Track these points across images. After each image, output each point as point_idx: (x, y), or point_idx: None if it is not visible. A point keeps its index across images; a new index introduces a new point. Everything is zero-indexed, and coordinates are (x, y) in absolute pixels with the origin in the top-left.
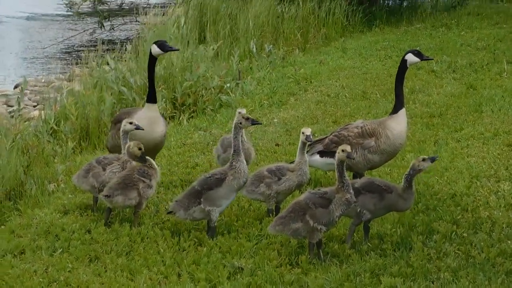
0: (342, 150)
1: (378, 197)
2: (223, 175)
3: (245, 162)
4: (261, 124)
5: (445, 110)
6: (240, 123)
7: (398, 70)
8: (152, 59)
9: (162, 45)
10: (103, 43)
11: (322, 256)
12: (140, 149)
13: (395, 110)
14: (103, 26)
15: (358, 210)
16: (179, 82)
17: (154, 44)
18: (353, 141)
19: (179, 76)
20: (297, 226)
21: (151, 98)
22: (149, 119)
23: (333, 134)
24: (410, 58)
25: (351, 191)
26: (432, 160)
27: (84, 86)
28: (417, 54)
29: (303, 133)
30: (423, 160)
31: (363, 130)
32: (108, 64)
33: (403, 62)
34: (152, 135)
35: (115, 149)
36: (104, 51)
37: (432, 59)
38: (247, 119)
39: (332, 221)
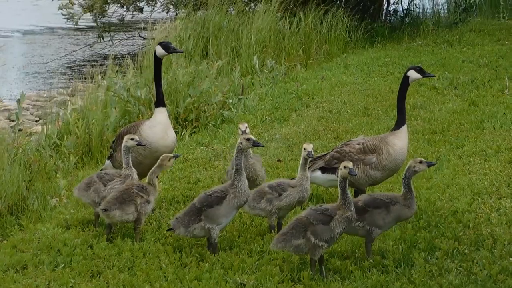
0: (344, 167)
1: (385, 211)
2: (224, 193)
3: (246, 181)
4: (263, 146)
5: (447, 127)
6: (241, 143)
7: (400, 86)
8: (157, 61)
9: (166, 46)
10: (105, 58)
11: (324, 272)
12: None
13: (397, 127)
14: (103, 38)
15: (368, 228)
16: (182, 97)
17: (158, 45)
18: (354, 157)
19: (183, 91)
20: (298, 242)
21: (161, 102)
22: (163, 125)
23: (334, 150)
24: (412, 74)
25: (353, 208)
26: (429, 165)
27: (87, 101)
28: (419, 70)
29: (304, 149)
30: (420, 162)
31: (365, 146)
32: (110, 78)
33: (405, 78)
34: (167, 141)
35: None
36: (107, 66)
37: (434, 76)
38: (248, 140)
39: (333, 238)
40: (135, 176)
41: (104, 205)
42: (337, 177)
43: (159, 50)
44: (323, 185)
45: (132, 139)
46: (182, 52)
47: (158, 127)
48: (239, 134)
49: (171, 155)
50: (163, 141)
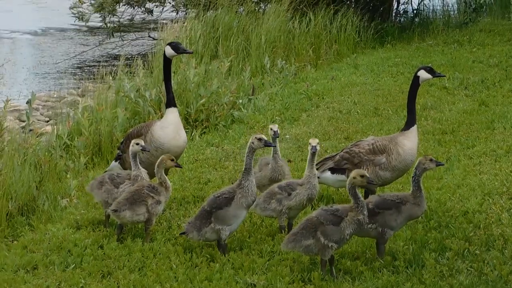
0: (361, 176)
1: (396, 212)
2: (232, 194)
3: (254, 181)
4: (274, 146)
5: (457, 127)
6: (253, 143)
7: (411, 86)
8: (167, 62)
9: (176, 47)
10: (115, 58)
11: (334, 273)
12: (172, 160)
13: (407, 127)
14: (113, 35)
15: (380, 230)
16: (193, 98)
17: (167, 46)
18: (364, 158)
19: (194, 92)
20: (308, 242)
21: (171, 102)
22: (175, 125)
23: (344, 151)
24: (423, 74)
25: (365, 212)
26: (438, 164)
27: (98, 102)
28: (429, 70)
29: (310, 143)
30: (430, 160)
31: (374, 147)
32: (120, 80)
33: (416, 78)
34: (179, 141)
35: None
36: (117, 67)
37: (444, 76)
38: (260, 140)
39: (342, 238)
40: (144, 176)
41: (115, 206)
42: (347, 179)
43: (169, 51)
44: (333, 186)
45: (137, 143)
46: (192, 53)
47: (170, 128)
48: (270, 135)
49: (172, 157)
50: (175, 142)
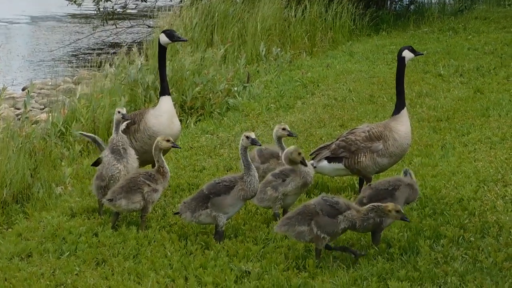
0: (397, 211)
1: (391, 199)
2: (233, 183)
3: (256, 177)
4: (260, 145)
5: (452, 114)
6: (242, 140)
7: (397, 68)
8: (162, 49)
9: (170, 34)
10: (110, 46)
11: (357, 252)
12: (168, 140)
13: (397, 110)
14: (107, 21)
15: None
16: (189, 85)
17: (162, 33)
18: (361, 145)
19: (189, 79)
20: (302, 229)
21: (165, 90)
22: (168, 113)
23: (340, 139)
24: (407, 54)
25: (367, 221)
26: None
27: (94, 89)
28: (412, 50)
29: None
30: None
31: (371, 134)
32: (121, 66)
33: (401, 59)
34: (173, 129)
35: None
36: (112, 54)
37: (422, 54)
38: (247, 137)
39: (336, 232)
40: (124, 142)
41: (110, 195)
42: (344, 168)
43: (163, 38)
44: (329, 175)
45: (119, 112)
46: (186, 40)
47: (164, 116)
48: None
49: (167, 138)
50: (169, 130)
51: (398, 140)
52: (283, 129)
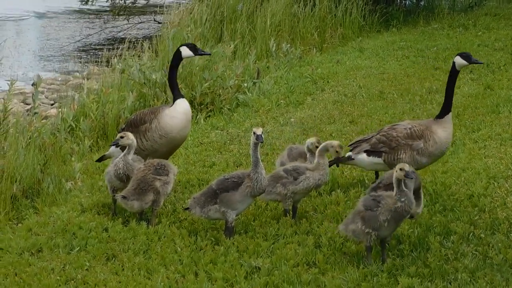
0: (400, 169)
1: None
2: (241, 179)
3: (264, 174)
4: (262, 142)
5: (463, 111)
6: (252, 136)
7: (449, 73)
8: (178, 61)
9: (193, 48)
10: (120, 41)
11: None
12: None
13: (441, 115)
14: (118, 15)
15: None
16: (198, 81)
17: (184, 46)
18: (402, 142)
19: (199, 75)
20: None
21: (180, 94)
22: (185, 115)
23: (380, 133)
24: (457, 60)
25: (404, 200)
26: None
27: (103, 84)
28: (465, 57)
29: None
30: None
31: (412, 132)
32: (125, 61)
33: (452, 64)
34: (185, 132)
35: (137, 154)
36: (122, 49)
37: (482, 63)
38: (254, 133)
39: (380, 226)
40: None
41: (125, 193)
42: (383, 162)
43: (186, 52)
44: (366, 168)
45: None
46: (210, 54)
47: (179, 118)
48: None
49: None
50: (182, 133)
51: (438, 143)
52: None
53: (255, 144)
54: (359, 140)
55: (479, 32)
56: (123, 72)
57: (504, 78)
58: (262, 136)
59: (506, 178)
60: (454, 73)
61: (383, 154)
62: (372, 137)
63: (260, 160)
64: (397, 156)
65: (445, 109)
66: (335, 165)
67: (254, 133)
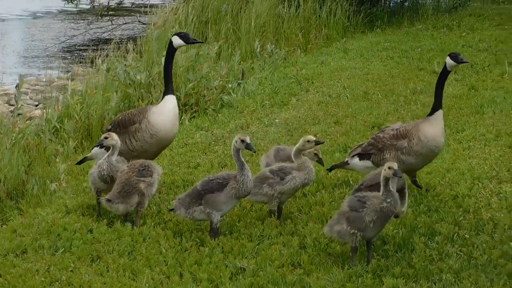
0: (389, 167)
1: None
2: (226, 180)
3: (250, 177)
4: (254, 151)
5: (447, 111)
6: (236, 142)
7: (440, 72)
8: (172, 51)
9: (185, 37)
10: (105, 42)
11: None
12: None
13: (431, 112)
14: (101, 17)
15: None
16: (182, 82)
17: (176, 36)
18: (387, 143)
19: (183, 76)
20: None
21: (170, 90)
22: (173, 112)
23: (371, 137)
24: (447, 61)
25: (390, 200)
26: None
27: (87, 85)
28: (453, 57)
29: (308, 141)
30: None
31: (398, 132)
32: (110, 62)
33: (444, 64)
34: (174, 129)
35: (125, 155)
36: (107, 50)
37: (467, 62)
38: (243, 141)
39: (365, 227)
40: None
41: (109, 196)
42: (372, 164)
43: (177, 41)
44: (360, 172)
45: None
46: (203, 43)
47: (168, 115)
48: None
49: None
50: (172, 129)
51: (423, 141)
52: (242, 141)
53: (238, 150)
54: (357, 146)
55: (463, 32)
56: (108, 72)
57: (488, 78)
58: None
59: (490, 179)
60: (444, 72)
61: (372, 156)
62: (366, 142)
63: (245, 163)
64: (383, 156)
65: (435, 106)
66: (328, 170)
67: (242, 140)
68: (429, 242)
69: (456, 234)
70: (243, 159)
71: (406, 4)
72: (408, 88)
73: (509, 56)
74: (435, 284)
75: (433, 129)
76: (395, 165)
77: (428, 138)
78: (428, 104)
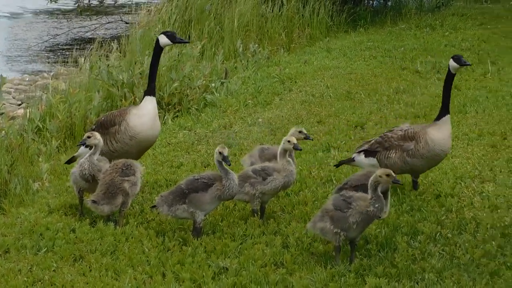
0: (387, 175)
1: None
2: (211, 181)
3: (235, 181)
4: (229, 164)
5: (429, 111)
6: (216, 154)
7: (445, 76)
8: (158, 50)
9: (172, 36)
10: (88, 42)
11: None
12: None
13: (439, 117)
14: (82, 14)
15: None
16: (165, 81)
17: (162, 35)
18: (394, 143)
19: (166, 75)
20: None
21: (152, 91)
22: (152, 115)
23: (380, 135)
24: (451, 63)
25: (378, 206)
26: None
27: (70, 85)
28: (456, 59)
29: (289, 141)
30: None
31: (406, 133)
32: (93, 62)
33: (448, 68)
34: (155, 130)
35: (107, 156)
36: (90, 50)
37: (470, 65)
38: (220, 153)
39: (349, 227)
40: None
41: (94, 197)
42: (376, 160)
43: (163, 40)
44: (364, 168)
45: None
46: (189, 42)
47: (147, 117)
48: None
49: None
50: (151, 131)
51: (430, 145)
52: (219, 153)
53: (219, 162)
54: (364, 142)
55: (446, 32)
56: (91, 70)
57: (471, 78)
58: (227, 155)
59: (473, 178)
60: (449, 76)
61: (377, 154)
62: (373, 139)
63: (228, 169)
64: (388, 155)
65: (442, 111)
66: (335, 166)
67: (220, 152)
68: (412, 242)
69: (438, 234)
70: (226, 167)
71: (389, 3)
72: (391, 87)
73: (491, 55)
74: (417, 283)
75: (441, 133)
76: (393, 173)
77: (435, 142)
78: (411, 103)
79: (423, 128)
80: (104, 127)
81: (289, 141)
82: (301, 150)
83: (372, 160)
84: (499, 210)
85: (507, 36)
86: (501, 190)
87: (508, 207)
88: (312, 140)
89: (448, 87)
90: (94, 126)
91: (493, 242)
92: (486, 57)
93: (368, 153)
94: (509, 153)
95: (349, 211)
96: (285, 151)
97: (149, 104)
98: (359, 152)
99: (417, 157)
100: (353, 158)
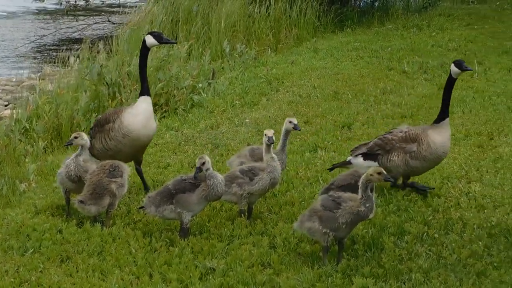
0: (378, 173)
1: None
2: (198, 182)
3: (220, 181)
4: (198, 175)
5: (416, 111)
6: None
7: (446, 80)
8: (145, 51)
9: (158, 36)
10: (75, 42)
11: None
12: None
13: (438, 120)
14: (67, 14)
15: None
16: (152, 82)
17: (149, 35)
18: (396, 145)
19: (153, 75)
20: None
21: (146, 91)
22: (146, 114)
23: (378, 137)
24: (452, 68)
25: (369, 205)
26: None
27: (57, 85)
28: (457, 64)
29: (265, 134)
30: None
31: (407, 135)
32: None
33: (449, 72)
34: (149, 130)
35: (102, 154)
36: (77, 50)
37: (471, 70)
38: (201, 158)
39: (338, 227)
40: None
41: (81, 197)
42: (378, 164)
43: (150, 40)
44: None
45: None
46: (175, 43)
47: (141, 116)
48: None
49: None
50: (144, 131)
51: (432, 147)
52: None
53: (268, 145)
54: (361, 144)
55: (433, 32)
56: (81, 70)
57: (458, 78)
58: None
59: (459, 178)
60: (450, 80)
61: (379, 157)
62: (371, 141)
63: (212, 171)
64: (390, 158)
65: (442, 114)
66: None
67: (203, 163)
68: (399, 242)
69: (425, 234)
70: (211, 169)
71: (376, 4)
72: (378, 88)
73: (478, 55)
74: (404, 283)
75: (442, 136)
76: (384, 170)
77: (437, 144)
78: (398, 103)
79: (423, 130)
80: (100, 125)
81: (290, 121)
82: (300, 130)
83: (372, 163)
84: (485, 210)
85: (494, 36)
86: (487, 190)
87: (495, 207)
88: (300, 130)
89: (448, 91)
90: (92, 126)
91: (480, 242)
92: (473, 57)
93: (367, 156)
94: (496, 153)
95: (338, 212)
96: (268, 146)
97: (144, 103)
98: (356, 155)
99: (419, 159)
100: (349, 161)
